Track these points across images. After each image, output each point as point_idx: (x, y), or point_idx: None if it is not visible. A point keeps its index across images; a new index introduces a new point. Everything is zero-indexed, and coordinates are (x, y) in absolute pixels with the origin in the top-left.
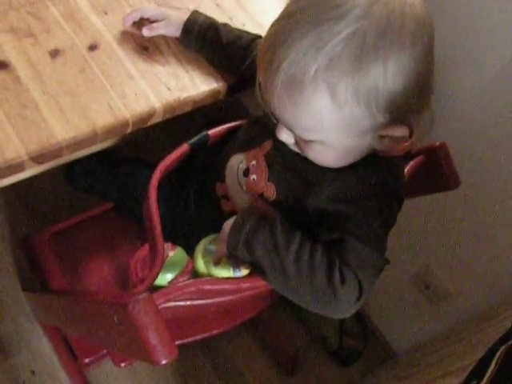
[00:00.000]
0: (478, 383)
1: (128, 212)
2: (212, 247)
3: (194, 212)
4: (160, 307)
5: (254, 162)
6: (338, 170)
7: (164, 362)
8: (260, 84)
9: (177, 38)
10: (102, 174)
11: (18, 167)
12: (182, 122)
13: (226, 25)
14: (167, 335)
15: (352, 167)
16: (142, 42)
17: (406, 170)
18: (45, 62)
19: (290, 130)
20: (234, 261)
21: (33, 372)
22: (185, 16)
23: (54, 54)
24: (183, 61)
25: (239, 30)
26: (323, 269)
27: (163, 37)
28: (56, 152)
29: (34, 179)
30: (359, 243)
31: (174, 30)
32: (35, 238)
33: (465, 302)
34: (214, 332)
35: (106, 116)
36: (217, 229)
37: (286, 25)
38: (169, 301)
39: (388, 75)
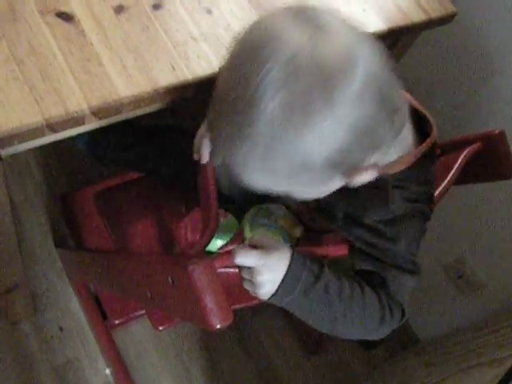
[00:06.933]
0: None
1: (169, 181)
2: (260, 220)
3: None
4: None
5: None
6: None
7: (219, 326)
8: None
9: None
10: (134, 145)
11: (78, 120)
12: None
13: None
14: (224, 300)
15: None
16: (205, 5)
17: (459, 160)
18: (109, 17)
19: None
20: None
21: (61, 328)
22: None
23: (119, 10)
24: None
25: None
26: (375, 314)
27: (228, 2)
28: (117, 108)
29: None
30: (401, 273)
31: None
32: (78, 195)
33: (496, 294)
34: (254, 302)
35: (168, 76)
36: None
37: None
38: (227, 266)
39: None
